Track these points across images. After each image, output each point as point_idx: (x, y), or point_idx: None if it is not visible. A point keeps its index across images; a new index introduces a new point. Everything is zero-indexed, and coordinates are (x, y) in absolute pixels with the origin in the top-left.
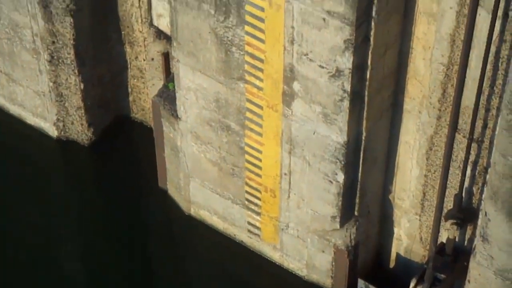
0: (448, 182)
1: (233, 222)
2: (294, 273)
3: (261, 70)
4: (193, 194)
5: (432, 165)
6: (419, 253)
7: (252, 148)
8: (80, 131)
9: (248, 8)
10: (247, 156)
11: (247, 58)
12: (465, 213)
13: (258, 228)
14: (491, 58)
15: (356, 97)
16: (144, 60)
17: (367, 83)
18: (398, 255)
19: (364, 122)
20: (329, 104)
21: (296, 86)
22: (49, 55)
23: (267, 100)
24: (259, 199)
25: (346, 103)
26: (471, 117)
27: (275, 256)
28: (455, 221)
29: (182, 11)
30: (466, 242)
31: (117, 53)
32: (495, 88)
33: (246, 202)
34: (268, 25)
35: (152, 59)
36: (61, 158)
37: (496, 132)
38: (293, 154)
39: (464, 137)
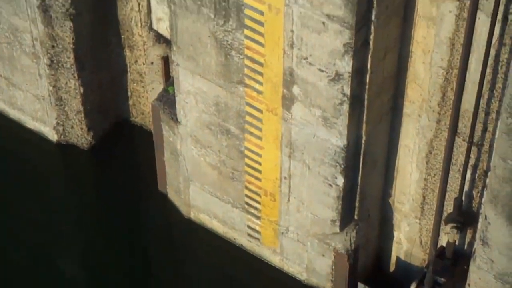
0: (448, 185)
1: (233, 226)
2: (294, 277)
3: (260, 73)
4: (193, 197)
5: (432, 169)
6: (419, 256)
7: (252, 151)
8: (80, 135)
9: (247, 12)
10: (246, 160)
11: (247, 62)
12: (465, 217)
13: (258, 232)
14: (490, 61)
15: (355, 101)
16: (143, 64)
17: (367, 86)
18: (398, 258)
19: (364, 125)
20: (328, 108)
21: (295, 89)
22: (49, 59)
23: (267, 103)
24: (259, 203)
25: (345, 107)
26: (471, 120)
27: (275, 260)
28: (455, 224)
29: (182, 15)
30: (466, 246)
31: (117, 57)
32: (494, 91)
33: (246, 206)
34: (267, 29)
35: (152, 63)
36: (61, 162)
37: (496, 136)
38: (292, 157)
39: (464, 140)
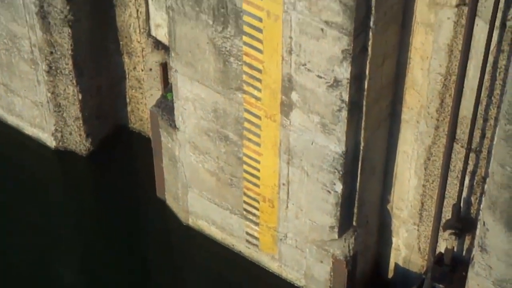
0: (446, 192)
1: (231, 232)
2: (292, 283)
3: (259, 80)
4: (191, 204)
5: (430, 175)
6: (418, 263)
7: (250, 158)
8: (78, 141)
9: (246, 18)
10: (245, 166)
11: (245, 68)
12: (464, 223)
13: (256, 238)
14: (489, 68)
15: (354, 107)
16: (142, 70)
17: (365, 93)
18: (396, 265)
19: (362, 132)
20: (327, 114)
21: (294, 96)
22: (47, 65)
23: (265, 110)
24: (257, 209)
25: (344, 113)
26: (469, 127)
27: (274, 266)
28: (453, 231)
29: (180, 21)
30: (464, 252)
31: (115, 63)
32: (493, 98)
33: (244, 212)
34: (266, 35)
35: (150, 69)
36: (59, 169)
37: (494, 142)
38: (291, 164)
39: (462, 147)
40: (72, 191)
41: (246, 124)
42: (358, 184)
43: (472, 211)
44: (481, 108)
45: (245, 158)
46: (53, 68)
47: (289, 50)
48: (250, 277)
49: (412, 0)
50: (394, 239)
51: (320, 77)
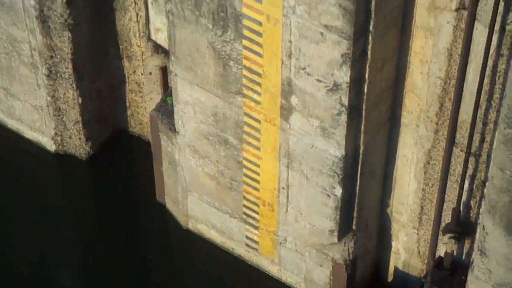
0: (446, 196)
1: (231, 236)
2: (292, 287)
3: (259, 84)
4: (191, 208)
5: (430, 179)
6: (417, 267)
7: (250, 162)
8: (78, 145)
9: (245, 22)
10: (245, 170)
11: (245, 72)
12: (463, 227)
13: (256, 242)
14: (488, 72)
15: (353, 111)
16: (142, 74)
17: (365, 97)
18: (396, 269)
19: (362, 136)
20: (326, 118)
21: (293, 100)
22: (47, 69)
23: (265, 114)
24: (257, 213)
25: (343, 117)
26: (469, 131)
27: (273, 270)
28: (453, 235)
29: (180, 25)
30: (464, 256)
31: (115, 67)
32: (492, 102)
33: (244, 216)
34: (265, 39)
35: (150, 73)
36: (59, 172)
37: (494, 146)
38: (291, 168)
39: (461, 151)
40: (72, 195)
41: (245, 128)
42: (357, 188)
43: (471, 215)
44: (481, 112)
45: (244, 162)
46: (53, 72)
47: (289, 54)
48: (249, 281)
49: (412, 4)
50: (393, 243)
51: (319, 81)
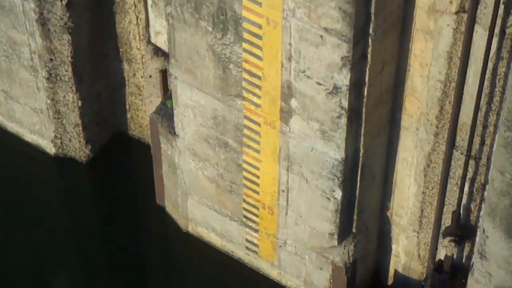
0: (446, 199)
1: (231, 239)
2: None
3: (258, 87)
4: (190, 211)
5: (430, 182)
6: (417, 270)
7: (250, 165)
8: (78, 148)
9: (245, 25)
10: (244, 173)
11: (245, 75)
12: (463, 230)
13: (256, 245)
14: (488, 75)
15: (353, 114)
16: (142, 77)
17: (365, 100)
18: (396, 272)
19: (362, 139)
20: (326, 121)
21: (293, 103)
22: (47, 72)
23: (265, 117)
24: (256, 216)
25: (343, 120)
26: (469, 134)
27: (273, 273)
28: (453, 238)
29: (180, 28)
30: (464, 259)
31: (115, 70)
32: (492, 105)
33: (244, 219)
34: (265, 42)
35: (150, 76)
36: (59, 175)
37: (494, 149)
38: (290, 171)
39: (461, 154)
40: (71, 198)
41: (245, 131)
42: (357, 191)
43: (471, 218)
44: (481, 115)
45: (244, 165)
46: (53, 75)
47: (289, 57)
48: (249, 284)
49: (412, 7)
50: (393, 246)
51: (319, 84)
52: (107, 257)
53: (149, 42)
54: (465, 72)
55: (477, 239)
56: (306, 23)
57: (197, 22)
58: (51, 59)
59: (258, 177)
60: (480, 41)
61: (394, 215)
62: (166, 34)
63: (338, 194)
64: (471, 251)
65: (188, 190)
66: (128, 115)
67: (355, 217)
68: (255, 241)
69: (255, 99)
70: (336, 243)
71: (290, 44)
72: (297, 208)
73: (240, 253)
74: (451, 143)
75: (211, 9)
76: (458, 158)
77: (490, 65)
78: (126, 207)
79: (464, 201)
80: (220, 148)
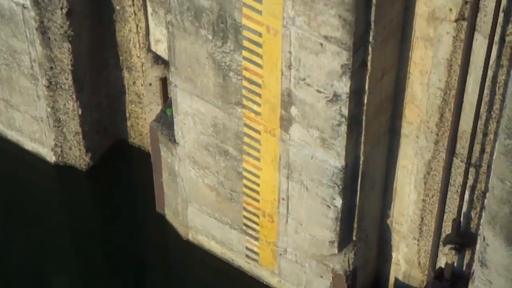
0: (446, 206)
1: (231, 247)
2: None
3: (258, 95)
4: (191, 219)
5: (430, 190)
6: (418, 278)
7: (250, 173)
8: (78, 156)
9: (245, 33)
10: (244, 181)
11: (245, 83)
12: (464, 238)
13: (256, 253)
14: (488, 83)
15: (353, 122)
16: (142, 85)
17: (365, 107)
18: (396, 280)
19: (362, 146)
20: (326, 129)
21: (293, 111)
22: (47, 80)
23: (265, 125)
24: (257, 224)
25: (343, 128)
26: (469, 141)
27: (274, 281)
28: (453, 246)
29: (180, 36)
30: (464, 267)
31: (115, 78)
32: (492, 112)
33: (244, 227)
34: (265, 50)
35: (150, 84)
36: (59, 184)
37: (494, 157)
38: (291, 179)
39: (462, 161)
40: (71, 206)
41: (245, 139)
42: (357, 198)
43: (472, 225)
44: (481, 122)
45: (244, 173)
46: (53, 83)
47: (289, 64)
48: None
49: (411, 15)
50: (394, 254)
51: (319, 91)
52: (107, 265)
53: (149, 50)
54: (465, 80)
55: (478, 247)
56: (306, 31)
57: (197, 30)
58: (51, 68)
59: (258, 185)
60: (480, 49)
61: (394, 223)
62: (166, 42)
63: (338, 202)
64: (471, 259)
65: (188, 198)
66: (128, 123)
67: (355, 225)
68: (255, 249)
69: (255, 107)
70: (336, 251)
71: (290, 52)
72: (297, 216)
73: (240, 261)
74: (451, 151)
75: (211, 17)
76: (458, 166)
77: (490, 73)
78: (126, 215)
79: (464, 208)
80: (220, 156)
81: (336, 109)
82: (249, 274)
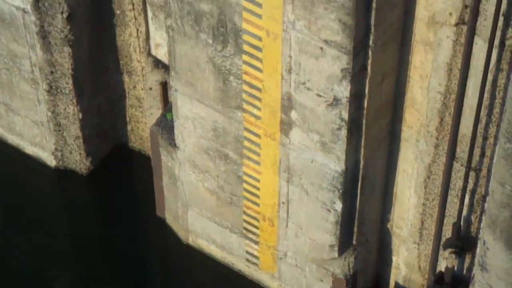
0: (446, 210)
1: (231, 251)
2: None
3: (259, 99)
4: (191, 223)
5: (430, 194)
6: (418, 282)
7: (250, 177)
8: (79, 160)
9: (245, 37)
10: (245, 185)
11: (245, 87)
12: (464, 242)
13: (256, 257)
14: (488, 86)
15: (353, 126)
16: (142, 89)
17: (365, 111)
18: (396, 284)
19: (362, 150)
20: (326, 133)
21: (293, 115)
22: (48, 85)
23: (265, 129)
24: (257, 228)
25: (343, 132)
26: (469, 145)
27: (274, 285)
28: (453, 250)
29: (180, 40)
30: (465, 271)
31: (115, 82)
32: (492, 116)
33: (244, 231)
34: (265, 54)
35: (150, 88)
36: (59, 188)
37: (494, 161)
38: (291, 182)
39: (462, 165)
40: (72, 210)
41: (245, 143)
42: (358, 202)
43: (472, 229)
44: (481, 126)
45: (245, 177)
46: (54, 87)
47: (289, 69)
48: None
49: (411, 19)
50: (394, 258)
51: (319, 95)
52: (106, 268)
53: (149, 54)
54: (465, 84)
55: (478, 250)
56: (306, 35)
57: (197, 35)
58: (52, 72)
59: (258, 189)
60: (480, 53)
61: (395, 227)
62: (166, 47)
63: (338, 206)
64: (471, 263)
65: (188, 202)
66: (129, 127)
67: (355, 229)
68: (255, 253)
69: (255, 111)
70: (336, 255)
71: (290, 56)
72: (298, 220)
73: (241, 265)
74: (451, 155)
75: (211, 21)
76: (459, 170)
77: (490, 77)
78: (127, 219)
79: (464, 212)
80: (220, 160)
81: (336, 113)
82: (249, 278)
